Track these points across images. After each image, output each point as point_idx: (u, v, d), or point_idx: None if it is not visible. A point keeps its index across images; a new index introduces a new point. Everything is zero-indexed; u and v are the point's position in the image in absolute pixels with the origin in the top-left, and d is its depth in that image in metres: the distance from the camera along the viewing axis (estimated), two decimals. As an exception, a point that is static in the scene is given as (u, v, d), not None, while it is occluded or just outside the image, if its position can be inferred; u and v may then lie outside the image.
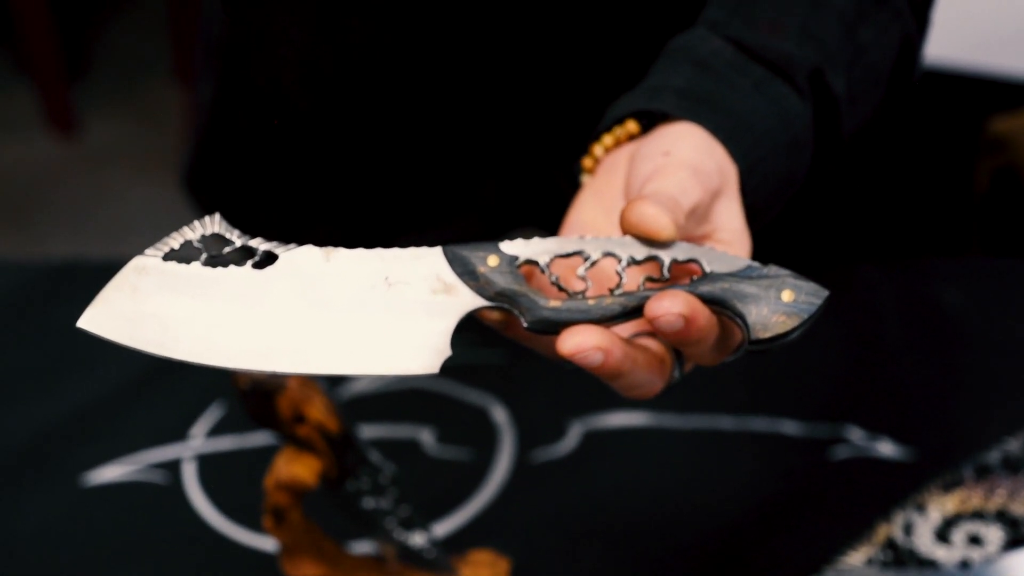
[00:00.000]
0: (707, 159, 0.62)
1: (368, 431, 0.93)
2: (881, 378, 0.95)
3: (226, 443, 0.94)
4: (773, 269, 0.56)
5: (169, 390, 0.98)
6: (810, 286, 0.56)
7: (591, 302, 0.56)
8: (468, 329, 0.57)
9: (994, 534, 0.81)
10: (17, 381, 1.00)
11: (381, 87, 0.95)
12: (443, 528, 0.86)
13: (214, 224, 0.57)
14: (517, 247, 0.57)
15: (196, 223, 0.57)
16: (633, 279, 0.57)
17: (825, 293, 0.56)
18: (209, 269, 0.56)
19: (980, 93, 1.44)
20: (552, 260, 0.57)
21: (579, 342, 0.54)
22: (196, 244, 0.57)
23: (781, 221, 1.02)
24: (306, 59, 0.95)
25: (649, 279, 0.56)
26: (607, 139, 0.66)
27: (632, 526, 0.86)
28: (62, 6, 2.78)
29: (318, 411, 0.71)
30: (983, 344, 0.97)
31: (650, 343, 0.58)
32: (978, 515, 0.82)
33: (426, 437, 0.93)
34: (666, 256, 0.56)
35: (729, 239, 0.61)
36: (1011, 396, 0.93)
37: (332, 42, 0.93)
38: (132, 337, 0.55)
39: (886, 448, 0.89)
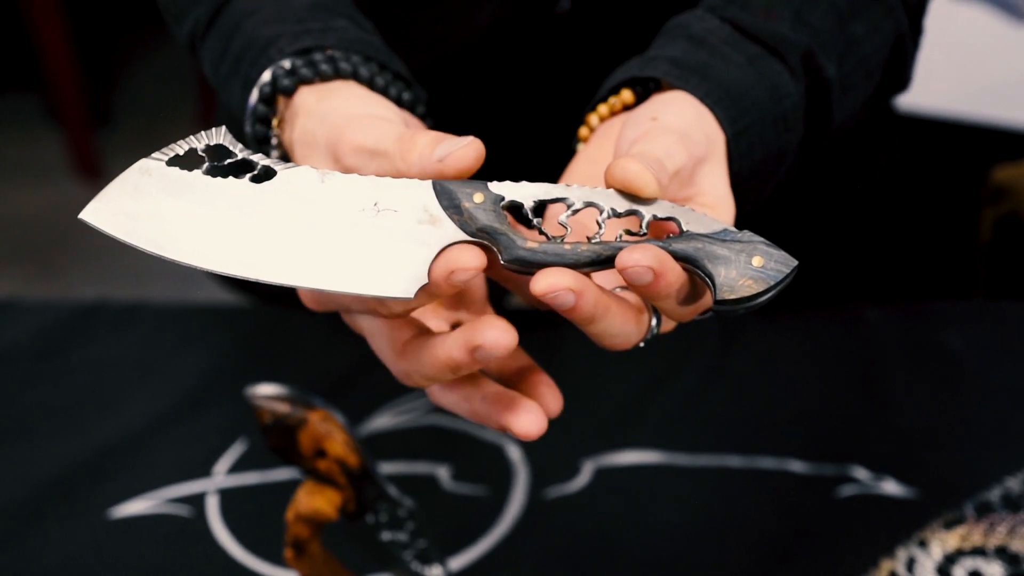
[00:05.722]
0: (695, 126, 0.63)
1: (386, 467, 0.94)
2: (886, 419, 0.97)
3: (248, 478, 0.96)
4: (747, 235, 0.57)
5: (193, 427, 1.00)
6: (780, 254, 0.56)
7: (567, 246, 0.57)
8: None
9: (994, 570, 0.82)
10: (45, 418, 1.02)
11: None
12: (458, 562, 0.88)
13: (219, 136, 0.59)
14: (504, 188, 0.58)
15: (203, 133, 0.59)
16: (612, 231, 0.58)
17: (794, 263, 0.56)
18: (209, 178, 0.58)
19: (983, 143, 1.47)
20: (536, 204, 0.58)
21: (552, 282, 0.56)
22: (200, 153, 0.59)
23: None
24: None
25: (627, 232, 0.57)
26: (602, 108, 0.68)
27: (643, 561, 0.87)
28: (88, 54, 2.82)
29: (338, 446, 0.73)
30: (985, 386, 0.99)
31: (627, 294, 0.60)
32: (979, 551, 0.84)
33: (443, 473, 0.95)
34: (647, 212, 0.57)
35: (712, 203, 0.62)
36: (1012, 437, 0.94)
37: None
38: (129, 233, 0.57)
39: (890, 487, 0.91)
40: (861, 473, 0.92)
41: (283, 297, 0.88)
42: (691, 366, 1.03)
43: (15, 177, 2.78)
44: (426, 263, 0.57)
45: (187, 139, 0.59)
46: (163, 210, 0.58)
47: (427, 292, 0.57)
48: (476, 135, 0.58)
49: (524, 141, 0.98)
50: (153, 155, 0.59)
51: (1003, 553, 0.83)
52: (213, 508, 0.94)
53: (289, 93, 0.68)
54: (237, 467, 0.97)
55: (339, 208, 0.58)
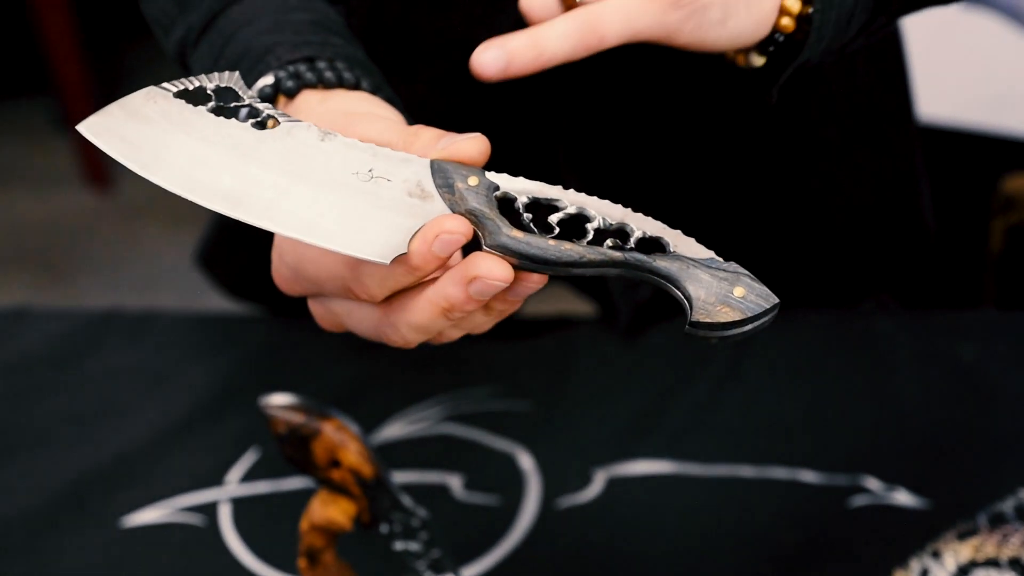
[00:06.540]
0: None
1: (399, 476, 0.94)
2: (898, 429, 0.97)
3: (260, 487, 0.96)
4: (733, 266, 0.57)
5: (206, 436, 1.00)
6: (763, 290, 0.56)
7: (551, 243, 0.57)
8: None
9: (1007, 581, 0.83)
10: (58, 427, 1.03)
11: None
12: (471, 572, 0.88)
13: (231, 79, 0.60)
14: (501, 178, 0.58)
15: (215, 74, 0.60)
16: (600, 239, 0.58)
17: (775, 300, 0.56)
18: (212, 116, 0.59)
19: (994, 153, 1.47)
20: (530, 200, 0.58)
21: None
22: (209, 91, 0.59)
23: (798, 270, 1.04)
24: None
25: (615, 242, 0.57)
26: None
27: (654, 571, 0.87)
28: (98, 61, 2.83)
29: (352, 456, 0.73)
30: (997, 396, 0.99)
31: None
32: (992, 563, 0.84)
33: (455, 483, 0.95)
34: (637, 227, 0.57)
35: None
36: (1025, 447, 0.95)
37: None
38: (122, 152, 0.58)
39: (903, 497, 0.91)
40: (873, 483, 0.92)
41: (290, 308, 0.88)
42: (703, 376, 1.03)
43: (25, 184, 2.79)
44: (408, 233, 0.57)
45: (199, 76, 0.60)
46: (161, 136, 0.58)
47: (406, 265, 0.57)
48: (500, 137, 0.57)
49: (548, 143, 0.98)
50: (163, 84, 0.59)
51: (1016, 564, 0.83)
52: (226, 517, 0.94)
53: (292, 95, 0.68)
54: (249, 476, 0.97)
55: (333, 167, 0.58)
